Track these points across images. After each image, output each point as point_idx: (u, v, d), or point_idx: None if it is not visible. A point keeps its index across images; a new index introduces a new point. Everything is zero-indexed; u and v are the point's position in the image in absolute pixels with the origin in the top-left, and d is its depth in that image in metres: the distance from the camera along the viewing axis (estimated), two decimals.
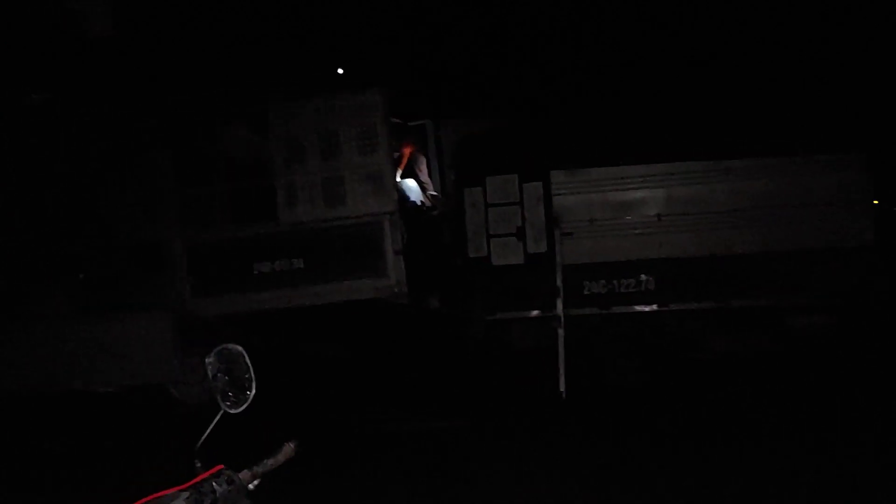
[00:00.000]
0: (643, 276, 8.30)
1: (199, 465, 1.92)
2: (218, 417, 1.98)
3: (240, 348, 2.03)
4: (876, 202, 8.25)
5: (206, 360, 2.00)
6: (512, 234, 8.46)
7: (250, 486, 1.97)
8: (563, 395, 7.98)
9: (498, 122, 9.82)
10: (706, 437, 6.73)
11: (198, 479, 1.88)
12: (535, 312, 8.51)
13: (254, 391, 2.01)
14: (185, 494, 1.82)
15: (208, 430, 1.95)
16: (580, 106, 10.60)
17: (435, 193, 10.05)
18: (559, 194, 8.38)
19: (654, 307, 8.26)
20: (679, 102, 10.16)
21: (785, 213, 8.08)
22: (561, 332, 8.11)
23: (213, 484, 1.87)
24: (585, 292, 8.33)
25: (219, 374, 2.00)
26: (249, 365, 2.02)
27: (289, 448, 2.06)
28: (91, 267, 9.11)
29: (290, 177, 8.89)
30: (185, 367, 9.03)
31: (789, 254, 8.05)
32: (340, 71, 14.17)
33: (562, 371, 8.02)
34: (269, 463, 2.02)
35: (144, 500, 1.80)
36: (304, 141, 8.92)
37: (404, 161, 9.63)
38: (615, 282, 8.31)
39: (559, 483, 5.93)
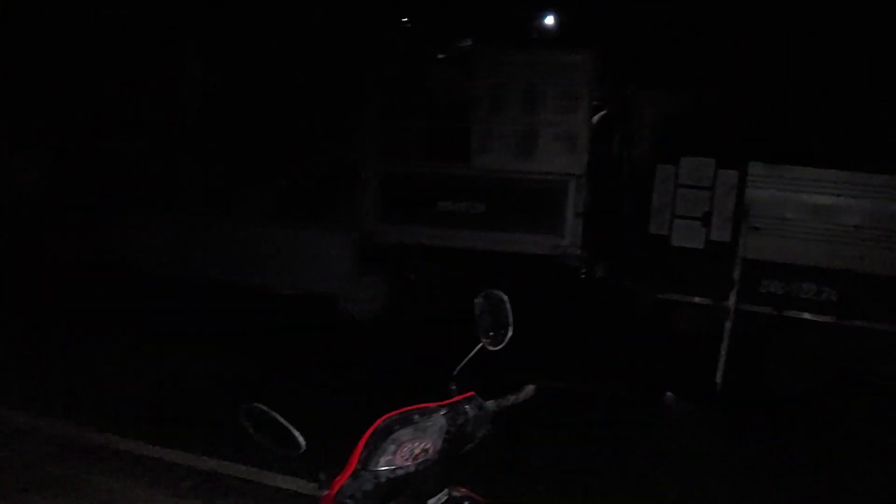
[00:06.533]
0: (826, 286, 7.98)
1: (454, 388, 2.18)
2: (476, 350, 2.23)
3: (503, 295, 2.27)
4: None
5: (476, 301, 2.25)
6: (697, 217, 8.32)
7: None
8: (718, 387, 7.94)
9: (700, 100, 9.55)
10: (860, 459, 6.55)
11: (454, 399, 2.16)
12: (704, 300, 8.39)
13: (510, 333, 2.25)
14: (444, 410, 2.10)
15: (466, 360, 2.20)
16: (793, 98, 10.07)
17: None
18: (754, 187, 8.12)
19: (833, 319, 7.95)
20: None
21: None
22: (728, 324, 8.02)
23: (466, 407, 2.14)
24: (762, 290, 8.10)
25: (484, 314, 2.26)
26: (510, 310, 2.26)
27: (529, 390, 2.30)
28: (293, 178, 9.83)
29: (487, 123, 9.14)
30: (358, 283, 9.68)
31: None
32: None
33: (721, 363, 7.96)
34: (511, 399, 2.27)
35: (410, 407, 2.09)
36: (506, 91, 9.12)
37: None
38: (795, 285, 8.04)
39: (695, 469, 6.05)
